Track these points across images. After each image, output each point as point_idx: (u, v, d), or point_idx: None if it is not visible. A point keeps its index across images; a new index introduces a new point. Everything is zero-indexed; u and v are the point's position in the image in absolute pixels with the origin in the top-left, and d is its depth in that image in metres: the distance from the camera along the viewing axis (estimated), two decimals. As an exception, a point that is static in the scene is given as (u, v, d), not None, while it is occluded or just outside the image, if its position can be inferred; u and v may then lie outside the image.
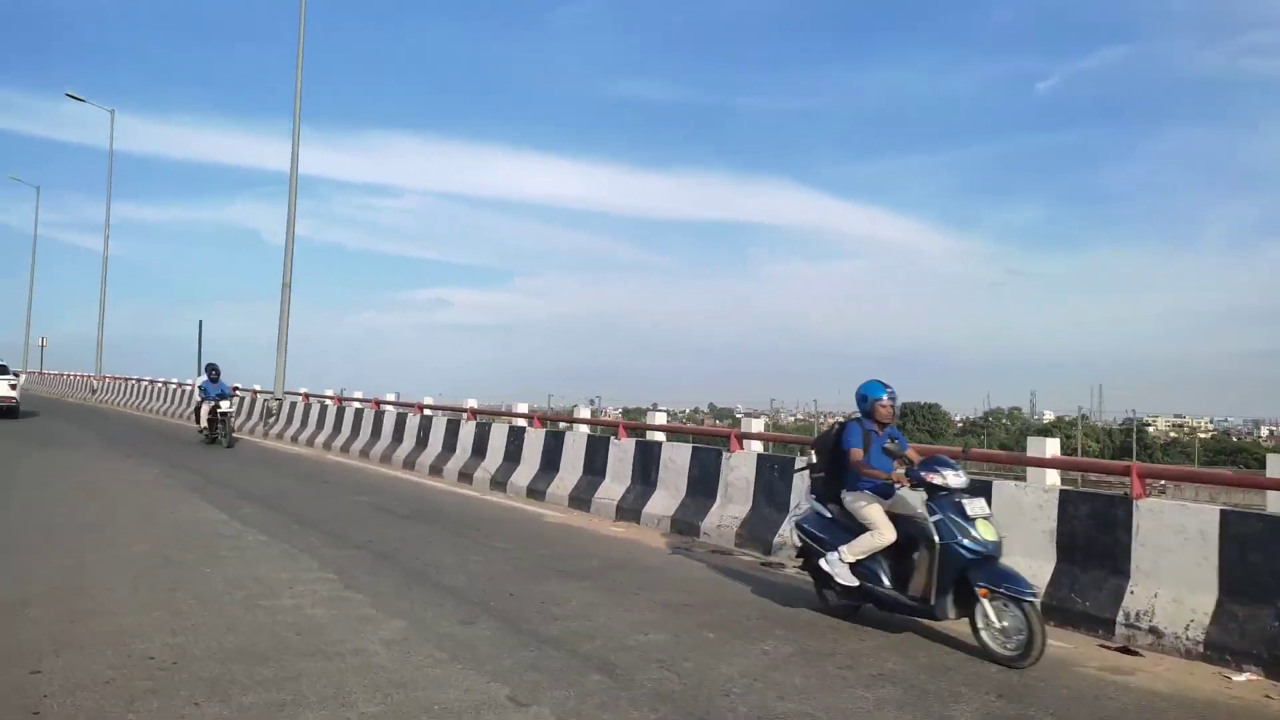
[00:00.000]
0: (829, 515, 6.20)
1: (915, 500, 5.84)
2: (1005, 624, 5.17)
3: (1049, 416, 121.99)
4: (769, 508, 8.65)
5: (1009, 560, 5.60)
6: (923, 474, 5.63)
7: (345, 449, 17.40)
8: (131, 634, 5.17)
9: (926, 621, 5.77)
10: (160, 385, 31.71)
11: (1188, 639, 5.48)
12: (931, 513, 5.53)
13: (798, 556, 6.50)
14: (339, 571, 7.07)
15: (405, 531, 9.05)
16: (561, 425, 13.23)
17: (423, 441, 15.19)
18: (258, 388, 26.93)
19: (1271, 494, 6.60)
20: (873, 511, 5.85)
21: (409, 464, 15.04)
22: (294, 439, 19.90)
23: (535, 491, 11.80)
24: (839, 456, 6.11)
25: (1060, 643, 5.67)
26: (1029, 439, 7.61)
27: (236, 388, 22.20)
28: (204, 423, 18.62)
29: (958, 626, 5.67)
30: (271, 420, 21.71)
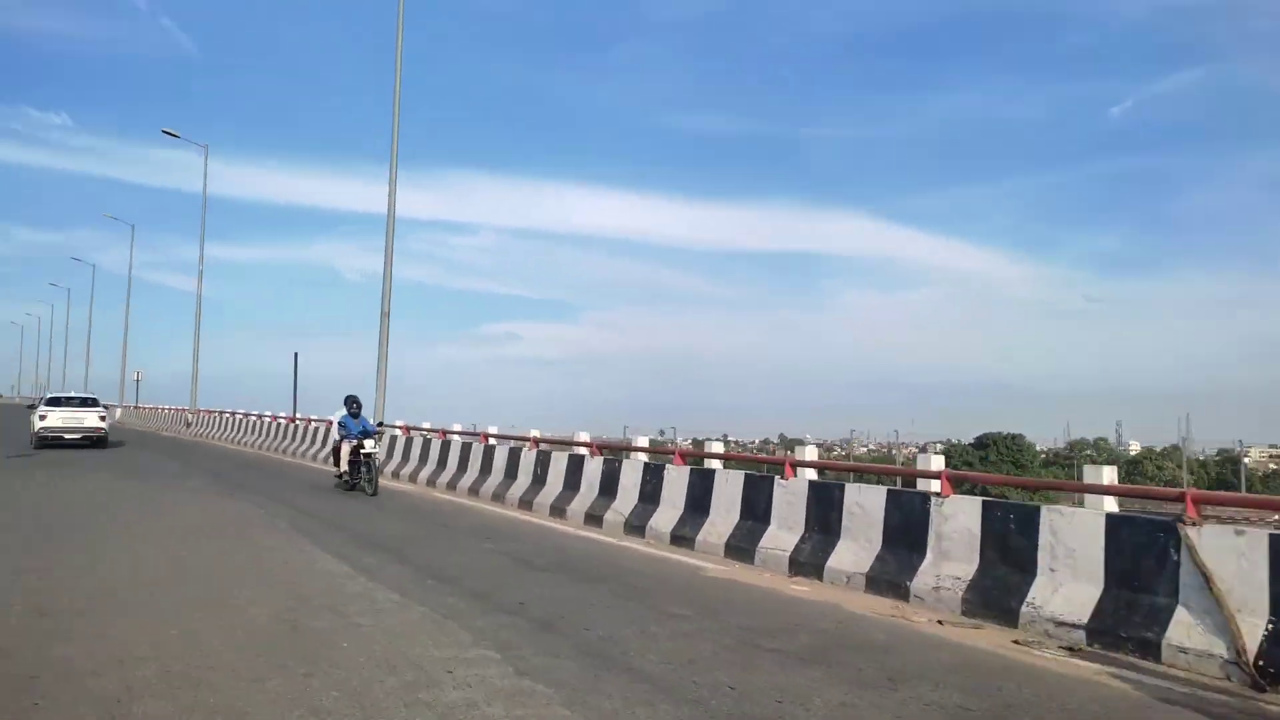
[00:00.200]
0: None
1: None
2: None
3: (1135, 447, 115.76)
4: (1004, 566, 7.05)
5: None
6: None
7: (452, 486, 16.26)
8: (272, 753, 3.88)
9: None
10: (255, 419, 31.33)
11: None
12: None
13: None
14: (501, 647, 5.73)
15: (557, 591, 7.69)
16: (671, 458, 11.82)
17: (539, 479, 13.92)
18: (334, 418, 26.26)
19: None
20: None
21: (525, 503, 13.78)
22: (395, 474, 18.87)
23: (682, 539, 10.37)
24: None
25: None
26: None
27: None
28: (343, 465, 15.62)
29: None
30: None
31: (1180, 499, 6.31)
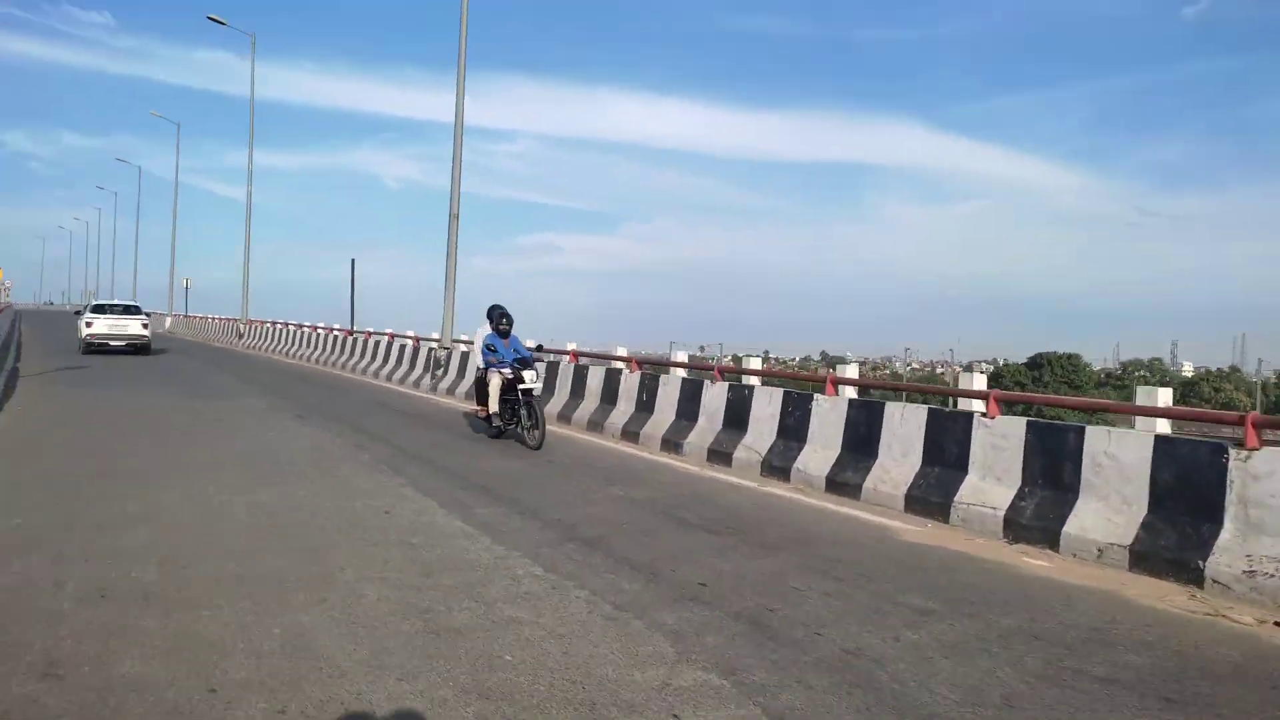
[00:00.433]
0: None
1: None
2: None
3: (1187, 368, 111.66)
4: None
5: None
6: None
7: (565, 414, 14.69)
8: None
9: None
10: (310, 331, 30.06)
11: None
12: None
13: None
14: (720, 666, 4.16)
15: (739, 564, 6.07)
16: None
17: (645, 405, 12.27)
18: (411, 334, 24.84)
19: None
20: None
21: (629, 434, 12.18)
22: (468, 395, 17.37)
23: (842, 485, 8.70)
24: None
25: None
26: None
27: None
28: (493, 404, 11.51)
29: None
30: (440, 373, 19.31)
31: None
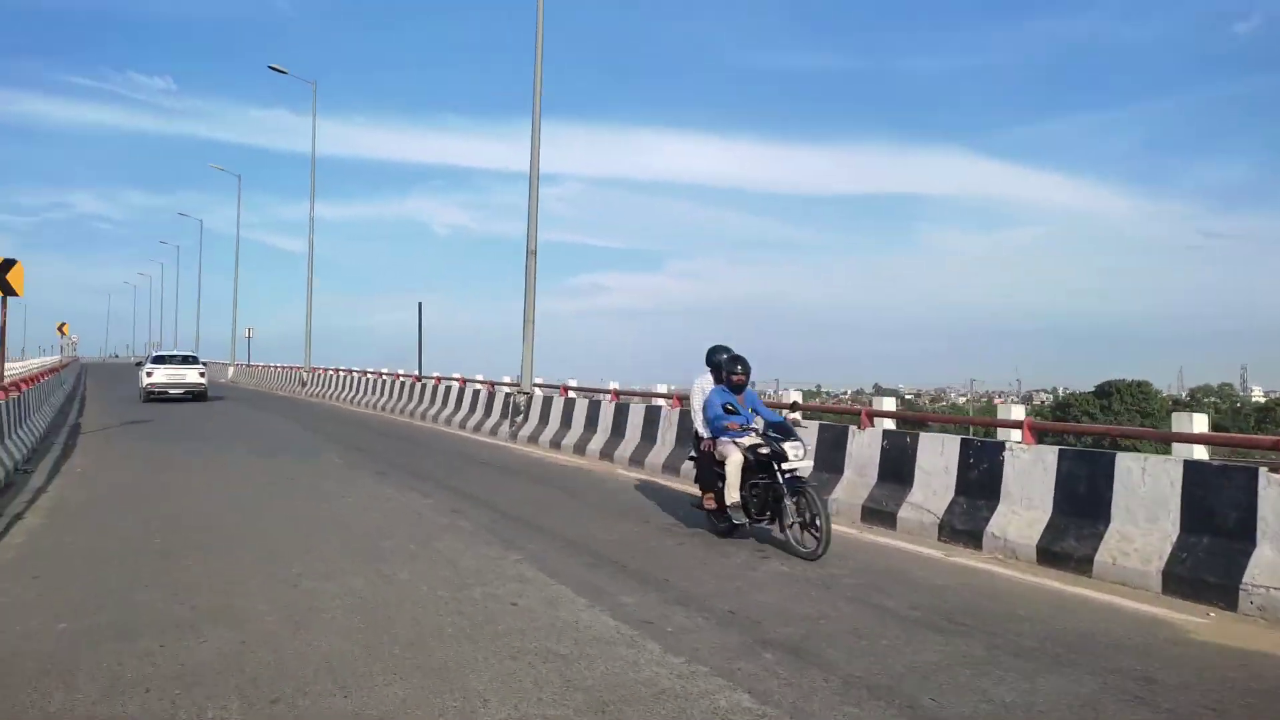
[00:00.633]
0: None
1: None
2: None
3: (1258, 394, 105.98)
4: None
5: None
6: None
7: (638, 459, 13.20)
8: None
9: None
10: (374, 377, 29.03)
11: None
12: None
13: None
14: None
15: (1036, 690, 4.43)
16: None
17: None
18: (480, 378, 23.60)
19: None
20: None
21: None
22: (554, 444, 15.95)
23: (1063, 556, 7.01)
24: None
25: None
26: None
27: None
28: (733, 494, 7.77)
29: None
30: (519, 419, 17.93)
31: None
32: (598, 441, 14.66)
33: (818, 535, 7.17)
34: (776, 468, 7.58)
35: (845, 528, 8.72)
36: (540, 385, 18.57)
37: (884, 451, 9.10)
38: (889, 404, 10.76)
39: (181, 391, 29.35)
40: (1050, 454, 7.46)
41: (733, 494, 7.79)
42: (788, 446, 7.59)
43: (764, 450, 7.67)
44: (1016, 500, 7.62)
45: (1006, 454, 7.80)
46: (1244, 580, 5.83)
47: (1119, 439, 12.41)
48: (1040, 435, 8.08)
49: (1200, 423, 7.15)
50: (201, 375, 30.21)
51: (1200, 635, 5.39)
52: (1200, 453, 6.92)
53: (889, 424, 9.83)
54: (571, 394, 17.15)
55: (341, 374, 33.14)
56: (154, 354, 33.49)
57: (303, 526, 8.28)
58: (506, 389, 19.60)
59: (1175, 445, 7.18)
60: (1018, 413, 8.92)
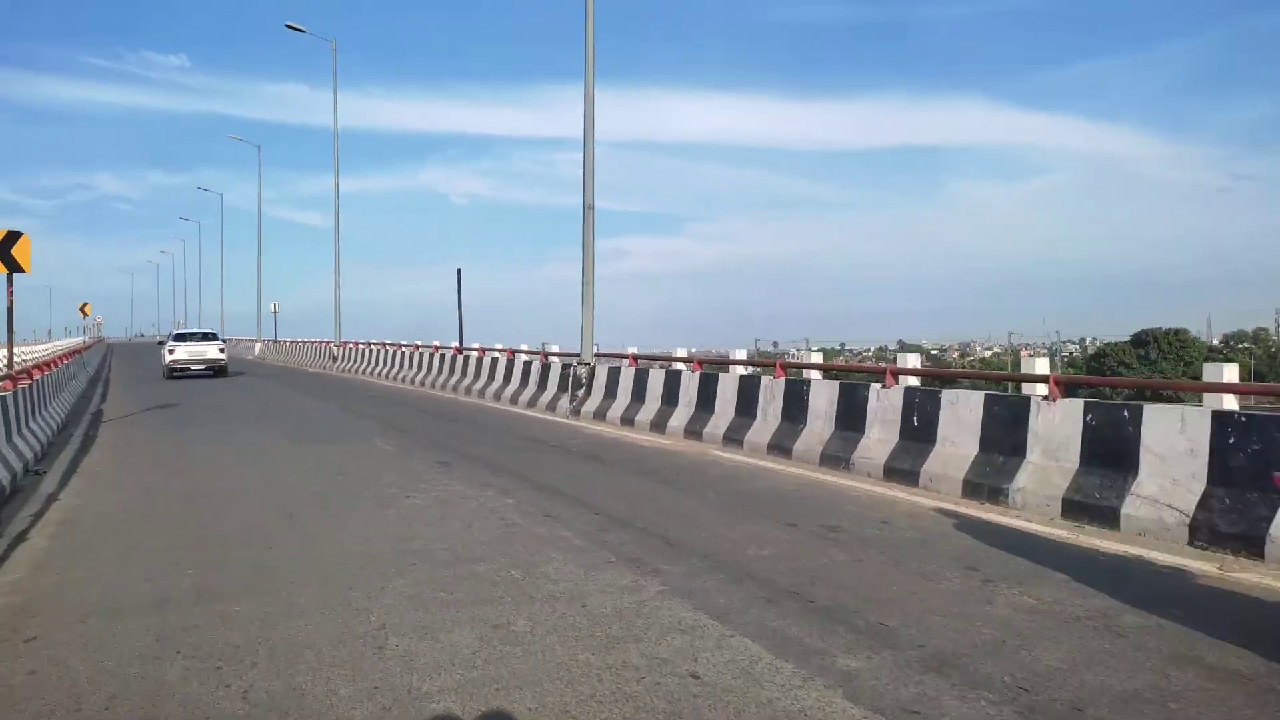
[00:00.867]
0: None
1: None
2: None
3: None
4: None
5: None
6: None
7: (734, 438, 11.45)
8: None
9: None
10: (411, 351, 27.38)
11: None
12: None
13: None
14: None
15: None
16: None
17: (851, 423, 9.05)
18: (525, 347, 21.92)
19: None
20: None
21: (842, 462, 8.87)
22: (626, 420, 14.24)
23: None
24: None
25: None
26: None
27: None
28: None
29: None
30: (580, 393, 16.21)
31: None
32: (680, 417, 12.91)
33: None
34: None
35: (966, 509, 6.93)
36: (602, 355, 16.84)
37: (994, 408, 7.28)
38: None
39: (202, 367, 30.00)
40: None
41: None
42: None
43: None
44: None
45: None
46: None
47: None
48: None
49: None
50: (221, 351, 30.74)
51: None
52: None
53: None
54: (641, 363, 15.39)
55: (374, 348, 31.58)
56: (175, 332, 34.71)
57: (371, 545, 6.59)
58: (562, 360, 17.89)
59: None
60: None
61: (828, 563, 5.94)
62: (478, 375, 21.61)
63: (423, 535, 6.87)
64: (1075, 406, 7.28)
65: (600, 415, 15.10)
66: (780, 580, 5.52)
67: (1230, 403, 6.62)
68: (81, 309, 43.95)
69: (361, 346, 33.31)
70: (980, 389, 8.99)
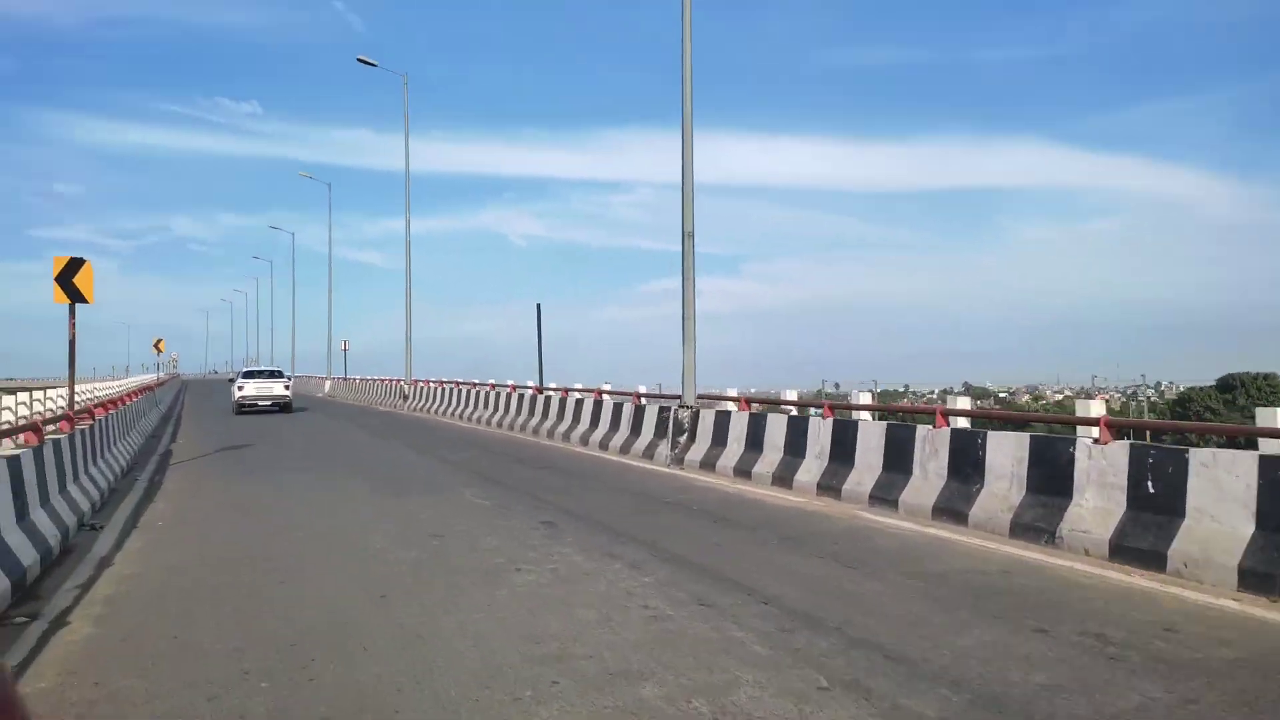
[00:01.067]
0: None
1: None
2: None
3: None
4: None
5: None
6: None
7: (885, 498, 9.75)
8: None
9: None
10: (489, 391, 26.14)
11: None
12: None
13: None
14: None
15: None
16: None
17: (1048, 486, 7.23)
18: (607, 386, 20.47)
19: None
20: None
21: (1044, 534, 7.11)
22: (740, 471, 12.61)
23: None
24: None
25: None
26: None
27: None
28: None
29: None
30: (681, 439, 14.63)
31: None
32: (810, 470, 11.24)
33: None
34: None
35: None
36: (702, 397, 15.28)
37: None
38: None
39: (269, 403, 31.21)
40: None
41: None
42: None
43: None
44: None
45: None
46: None
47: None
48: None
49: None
50: (286, 388, 32.09)
51: None
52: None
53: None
54: (756, 407, 13.77)
55: (446, 387, 30.47)
56: (244, 370, 35.84)
57: (490, 648, 5.07)
58: (659, 402, 16.38)
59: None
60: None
61: (1142, 703, 4.22)
62: (560, 417, 20.18)
63: (553, 632, 5.34)
64: None
65: (708, 465, 13.49)
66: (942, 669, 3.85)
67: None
68: (156, 345, 43.99)
69: (433, 385, 32.25)
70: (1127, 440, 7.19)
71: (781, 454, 12.00)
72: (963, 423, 9.90)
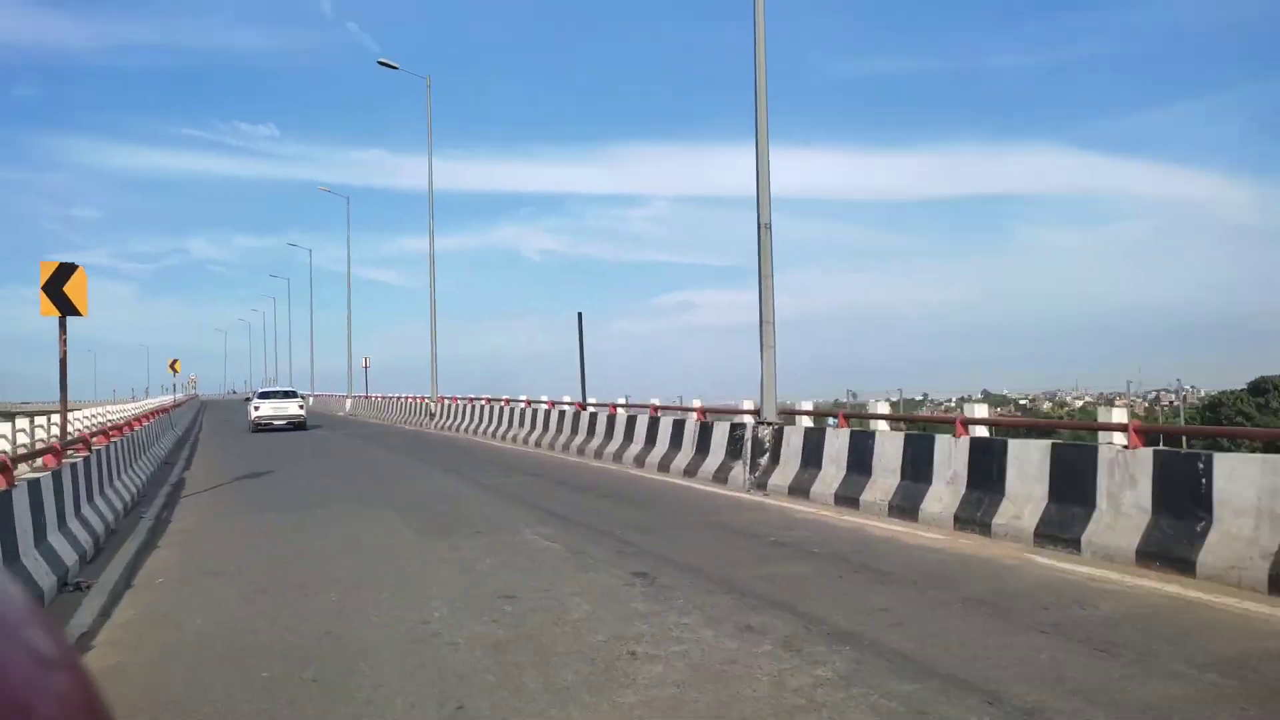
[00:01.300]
0: None
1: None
2: None
3: None
4: None
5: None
6: None
7: (1060, 535, 7.82)
8: None
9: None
10: (524, 408, 24.32)
11: None
12: None
13: None
14: None
15: None
16: None
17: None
18: (657, 401, 18.59)
19: None
20: None
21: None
22: (844, 499, 10.72)
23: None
24: None
25: None
26: None
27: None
28: None
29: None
30: (761, 460, 12.73)
31: None
32: (940, 499, 9.33)
33: None
34: None
35: None
36: (787, 413, 13.39)
37: None
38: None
39: (284, 422, 31.60)
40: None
41: None
42: None
43: None
44: None
45: None
46: None
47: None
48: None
49: None
50: (301, 408, 32.68)
51: None
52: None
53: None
54: (849, 423, 11.86)
55: (477, 404, 28.67)
56: (260, 390, 36.46)
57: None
58: (730, 419, 14.51)
59: None
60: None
61: None
62: (609, 436, 18.31)
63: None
64: None
65: (799, 491, 11.58)
66: None
67: None
68: (171, 366, 42.47)
69: (462, 402, 30.49)
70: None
71: (898, 479, 10.09)
72: (1118, 438, 7.98)
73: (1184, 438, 12.61)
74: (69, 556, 7.88)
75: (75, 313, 11.22)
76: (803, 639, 5.35)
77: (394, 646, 5.48)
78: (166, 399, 50.68)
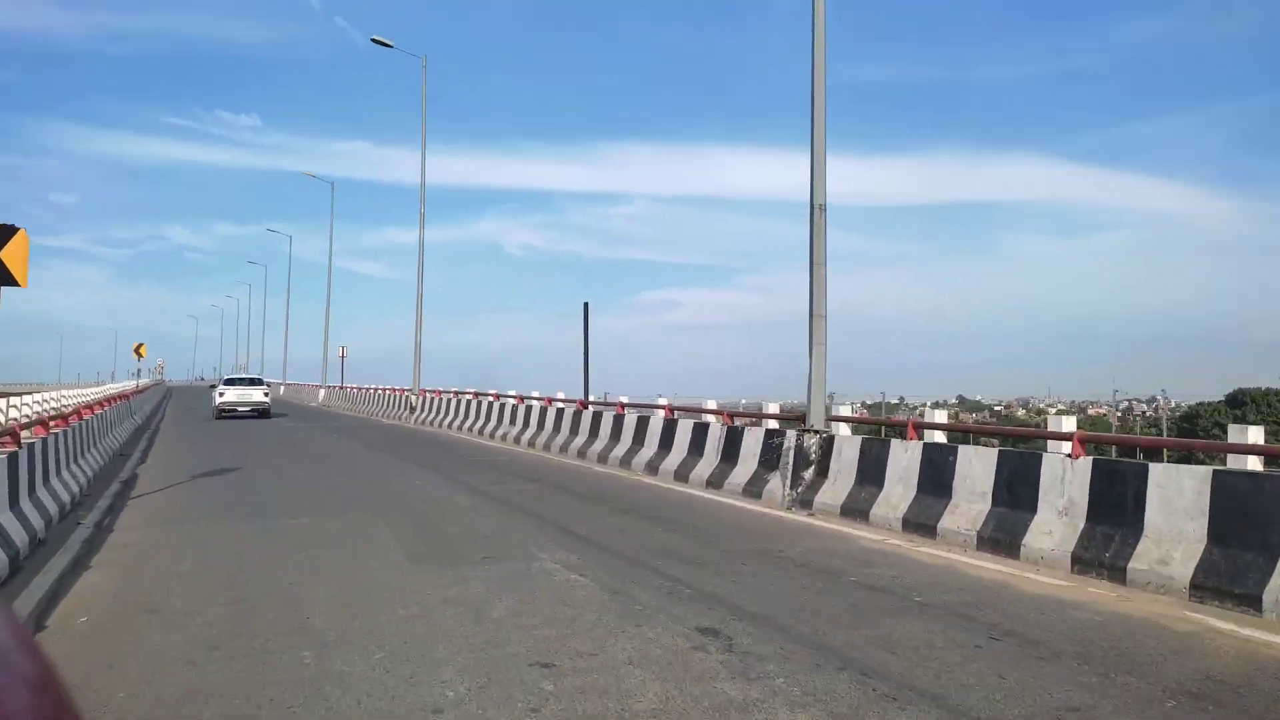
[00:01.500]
0: None
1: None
2: None
3: None
4: None
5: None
6: None
7: (1217, 585, 6.24)
8: None
9: None
10: (516, 403, 22.55)
11: None
12: None
13: None
14: None
15: None
16: None
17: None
18: (665, 401, 16.92)
19: None
20: None
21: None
22: (913, 524, 9.12)
23: None
24: None
25: None
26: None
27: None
28: None
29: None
30: (806, 473, 11.08)
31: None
32: (1050, 533, 7.70)
33: None
34: None
35: None
36: (839, 419, 11.76)
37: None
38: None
39: (248, 409, 31.94)
40: None
41: None
42: None
43: None
44: None
45: None
46: None
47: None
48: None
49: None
50: (265, 395, 32.79)
51: None
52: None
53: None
54: (919, 432, 10.21)
55: (462, 399, 26.86)
56: (225, 378, 36.96)
57: None
58: (763, 425, 12.87)
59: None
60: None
61: None
62: (615, 438, 16.60)
63: None
64: None
65: (855, 513, 9.95)
66: None
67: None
68: (136, 350, 40.13)
69: (446, 396, 28.66)
70: None
71: (988, 504, 8.47)
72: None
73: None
74: (-37, 587, 6.08)
75: (13, 283, 9.34)
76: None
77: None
78: (129, 384, 48.30)
